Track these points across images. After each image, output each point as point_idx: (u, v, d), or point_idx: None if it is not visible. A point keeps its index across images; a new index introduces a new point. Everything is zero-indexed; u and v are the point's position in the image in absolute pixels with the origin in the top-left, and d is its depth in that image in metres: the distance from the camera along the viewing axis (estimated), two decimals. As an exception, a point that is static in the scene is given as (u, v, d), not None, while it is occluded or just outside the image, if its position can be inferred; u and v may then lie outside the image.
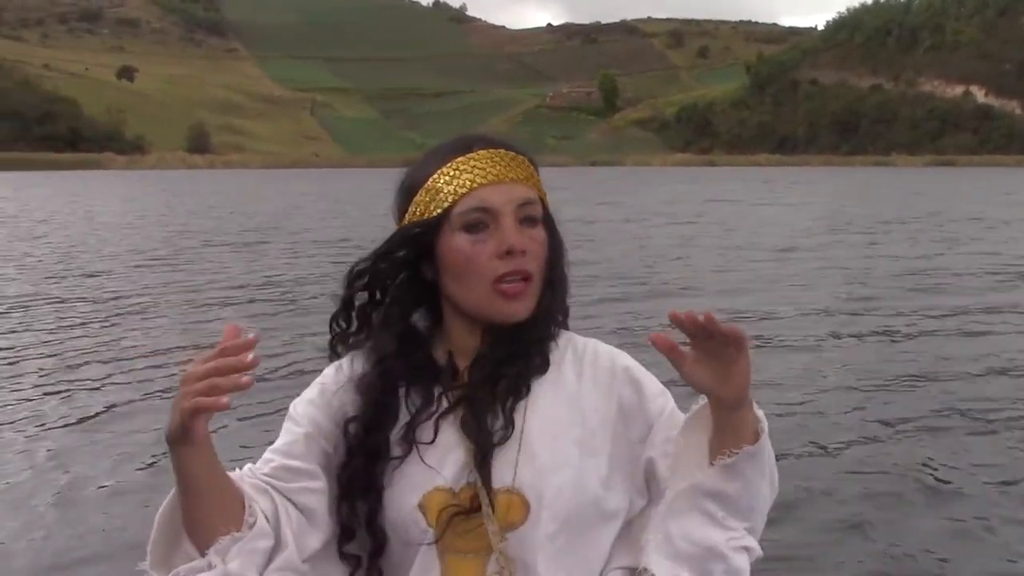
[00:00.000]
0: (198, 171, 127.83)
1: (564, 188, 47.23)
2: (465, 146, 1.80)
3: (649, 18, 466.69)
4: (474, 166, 1.76)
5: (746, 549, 1.74)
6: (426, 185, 1.78)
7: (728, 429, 1.69)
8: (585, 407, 1.83)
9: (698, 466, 1.73)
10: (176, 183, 70.85)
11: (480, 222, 1.75)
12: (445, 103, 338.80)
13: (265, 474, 1.81)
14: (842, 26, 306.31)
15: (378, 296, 1.85)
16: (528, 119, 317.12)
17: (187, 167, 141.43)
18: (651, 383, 1.88)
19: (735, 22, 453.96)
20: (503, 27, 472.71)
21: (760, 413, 1.72)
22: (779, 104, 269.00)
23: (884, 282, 14.48)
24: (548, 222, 1.85)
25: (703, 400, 1.74)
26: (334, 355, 1.90)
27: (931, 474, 5.75)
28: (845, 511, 5.17)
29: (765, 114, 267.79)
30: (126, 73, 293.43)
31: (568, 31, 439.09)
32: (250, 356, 1.55)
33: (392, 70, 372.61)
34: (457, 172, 1.76)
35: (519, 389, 1.80)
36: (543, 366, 1.84)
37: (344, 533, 1.81)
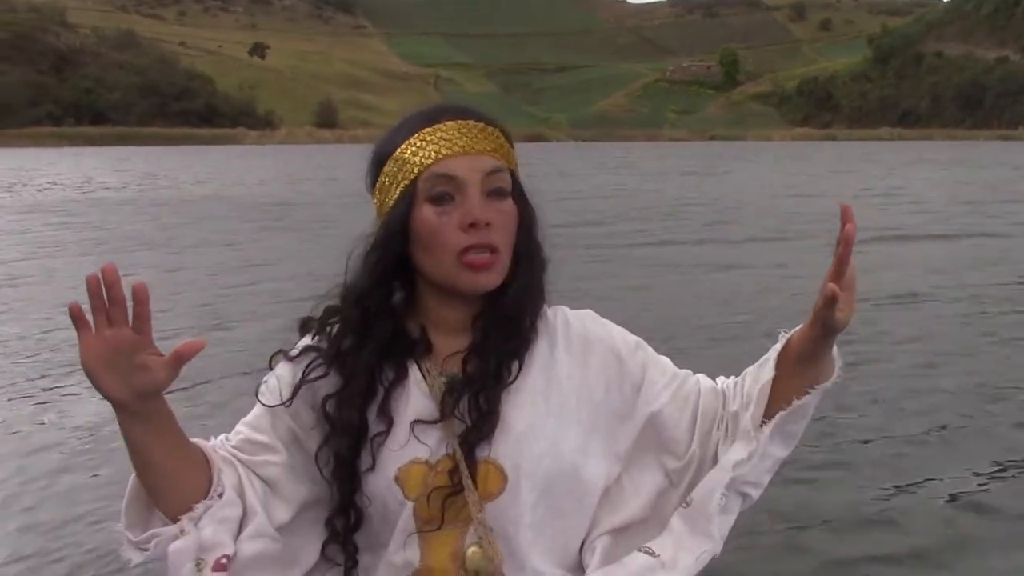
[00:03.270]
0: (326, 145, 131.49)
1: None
2: (433, 117, 1.77)
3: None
4: (440, 137, 1.74)
5: (742, 495, 1.82)
6: (394, 155, 1.77)
7: (821, 360, 1.75)
8: (560, 375, 1.83)
9: (769, 405, 1.78)
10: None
11: (445, 194, 1.73)
12: (566, 78, 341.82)
13: (233, 446, 1.83)
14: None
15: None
16: (648, 93, 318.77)
17: (315, 142, 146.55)
18: (625, 340, 1.89)
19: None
20: (625, 1, 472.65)
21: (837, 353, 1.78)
22: (902, 77, 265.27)
23: None
24: (518, 194, 1.82)
25: (778, 346, 1.79)
26: (304, 329, 1.90)
27: None
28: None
29: (887, 87, 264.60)
30: (258, 50, 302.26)
31: (689, 5, 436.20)
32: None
33: (514, 45, 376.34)
34: (424, 143, 1.74)
35: (508, 368, 1.80)
36: (529, 342, 1.84)
37: (337, 510, 1.82)
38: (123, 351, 1.57)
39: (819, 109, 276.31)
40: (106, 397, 1.61)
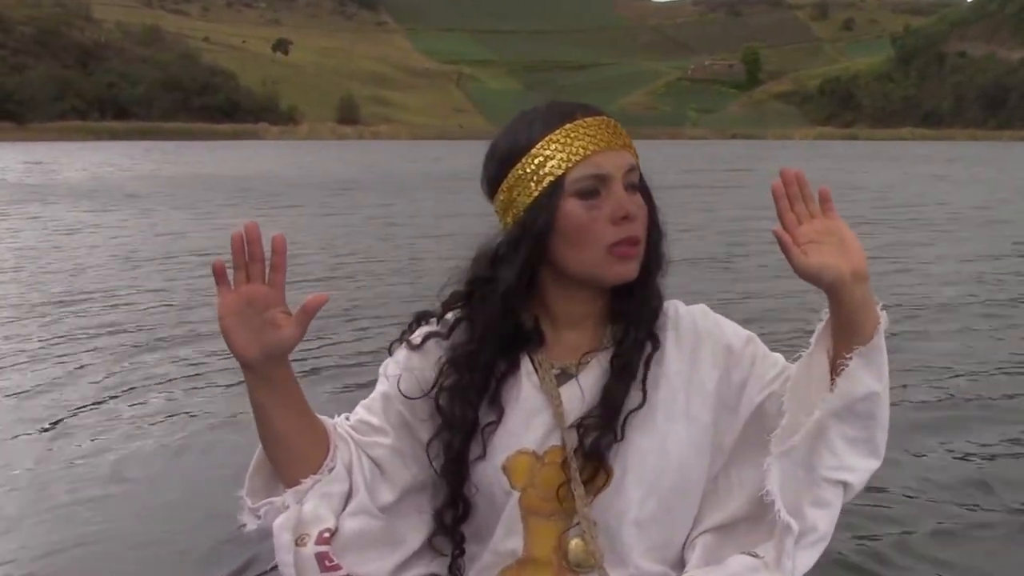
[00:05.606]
0: (349, 141, 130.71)
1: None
2: (567, 113, 1.79)
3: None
4: (584, 133, 1.75)
5: (842, 483, 1.77)
6: (531, 152, 1.76)
7: (852, 323, 1.71)
8: (669, 371, 1.83)
9: (819, 385, 1.74)
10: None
11: (593, 188, 1.74)
12: (588, 75, 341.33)
13: (350, 425, 1.89)
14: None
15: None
16: (670, 91, 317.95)
17: (337, 138, 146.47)
18: (736, 334, 1.89)
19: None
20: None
21: (883, 313, 1.74)
22: (925, 77, 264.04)
23: None
24: (645, 189, 1.85)
25: (823, 320, 1.77)
26: (420, 322, 1.93)
27: None
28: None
29: (910, 87, 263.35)
30: (281, 46, 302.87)
31: (712, 3, 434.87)
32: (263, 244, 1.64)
33: (537, 42, 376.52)
34: (568, 139, 1.75)
35: (632, 370, 1.80)
36: (656, 341, 1.84)
37: (446, 502, 1.85)
38: (256, 306, 1.64)
39: (841, 108, 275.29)
40: (236, 356, 1.67)
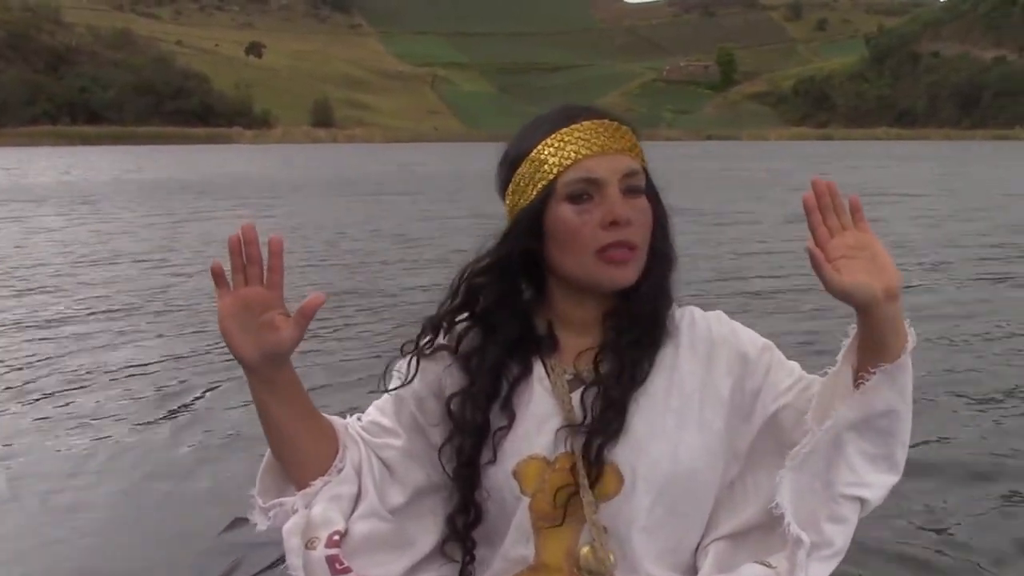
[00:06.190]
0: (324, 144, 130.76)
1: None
2: (569, 117, 1.79)
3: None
4: (578, 137, 1.75)
5: (859, 499, 1.75)
6: (530, 156, 1.78)
7: (879, 341, 1.69)
8: (683, 377, 1.82)
9: (840, 398, 1.72)
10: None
11: (585, 192, 1.74)
12: (563, 77, 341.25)
13: (361, 426, 1.90)
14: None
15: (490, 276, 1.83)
16: (645, 92, 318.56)
17: (311, 141, 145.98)
18: (752, 341, 1.87)
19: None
20: (622, 0, 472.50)
21: (911, 330, 1.72)
22: (898, 77, 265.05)
23: None
24: (652, 192, 1.83)
25: (851, 335, 1.75)
26: (429, 328, 1.90)
27: None
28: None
29: (884, 87, 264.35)
30: (254, 49, 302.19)
31: (686, 4, 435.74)
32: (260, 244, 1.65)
33: (511, 44, 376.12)
34: (562, 143, 1.75)
35: (639, 368, 1.79)
36: (661, 340, 1.84)
37: (457, 507, 1.84)
38: (254, 308, 1.65)
39: (816, 109, 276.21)
40: (237, 358, 1.68)
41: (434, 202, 22.75)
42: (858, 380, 1.71)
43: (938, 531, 3.81)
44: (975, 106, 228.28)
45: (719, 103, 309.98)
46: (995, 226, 16.35)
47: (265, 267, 1.66)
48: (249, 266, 1.65)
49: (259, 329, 1.65)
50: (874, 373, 1.68)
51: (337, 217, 19.21)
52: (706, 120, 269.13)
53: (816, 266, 1.64)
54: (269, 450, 1.81)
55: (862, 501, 1.76)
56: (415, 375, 1.87)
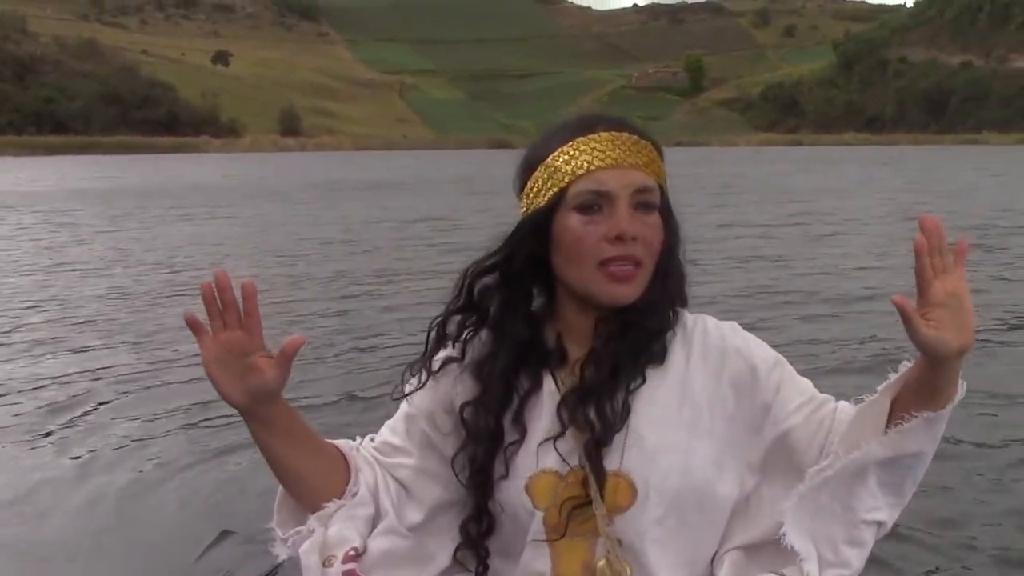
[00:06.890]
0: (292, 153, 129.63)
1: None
2: (588, 126, 1.77)
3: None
4: (594, 148, 1.74)
5: (877, 523, 1.76)
6: (546, 162, 1.77)
7: (933, 389, 1.67)
8: (694, 388, 1.81)
9: (873, 433, 1.71)
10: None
11: (594, 204, 1.73)
12: (532, 84, 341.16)
13: (374, 447, 1.92)
14: (932, 3, 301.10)
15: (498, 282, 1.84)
16: (614, 99, 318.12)
17: (279, 150, 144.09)
18: (764, 356, 1.85)
19: (823, 0, 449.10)
20: (589, 8, 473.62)
21: (963, 384, 1.70)
22: (867, 83, 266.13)
23: None
24: (665, 210, 1.81)
25: (902, 369, 1.73)
26: (438, 337, 1.90)
27: None
28: None
29: (853, 93, 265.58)
30: (221, 58, 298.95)
31: (654, 11, 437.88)
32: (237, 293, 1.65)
33: (480, 52, 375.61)
34: (577, 152, 1.74)
35: (635, 382, 1.78)
36: (660, 355, 1.82)
37: (471, 515, 1.85)
38: (236, 352, 1.66)
39: (785, 115, 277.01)
40: (227, 401, 1.69)
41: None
42: (895, 415, 1.70)
43: (938, 531, 3.89)
44: (943, 111, 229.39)
45: (688, 110, 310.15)
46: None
47: (241, 311, 1.65)
48: (225, 311, 1.66)
49: (243, 372, 1.66)
50: (915, 417, 1.67)
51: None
52: (676, 127, 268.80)
53: (906, 319, 1.59)
54: (280, 486, 1.83)
55: (879, 524, 1.77)
56: (424, 385, 1.89)
